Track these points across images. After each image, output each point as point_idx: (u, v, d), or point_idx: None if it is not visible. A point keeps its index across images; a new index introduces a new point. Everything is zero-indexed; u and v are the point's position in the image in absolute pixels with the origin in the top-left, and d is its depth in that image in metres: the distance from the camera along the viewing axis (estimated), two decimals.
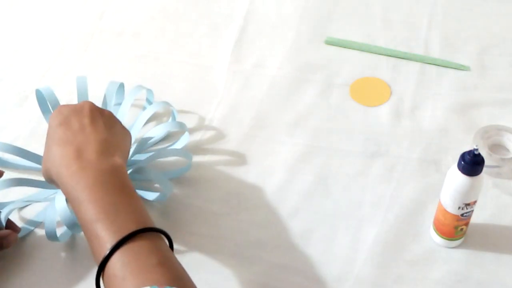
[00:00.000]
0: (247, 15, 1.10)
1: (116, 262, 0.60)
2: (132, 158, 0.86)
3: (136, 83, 0.92)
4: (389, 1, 1.11)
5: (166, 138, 0.92)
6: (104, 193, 0.64)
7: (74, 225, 0.76)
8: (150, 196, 0.84)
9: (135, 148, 0.85)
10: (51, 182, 0.71)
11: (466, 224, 0.76)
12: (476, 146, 0.68)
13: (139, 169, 0.83)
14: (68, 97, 0.94)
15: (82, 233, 0.80)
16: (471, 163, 0.68)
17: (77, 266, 0.78)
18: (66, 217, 0.76)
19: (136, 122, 0.88)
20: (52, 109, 0.86)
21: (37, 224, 0.82)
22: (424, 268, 0.77)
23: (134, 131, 0.87)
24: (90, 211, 0.63)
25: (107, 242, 0.60)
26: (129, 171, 0.84)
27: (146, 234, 0.62)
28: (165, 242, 0.65)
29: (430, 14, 1.08)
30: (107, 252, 0.60)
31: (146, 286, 0.56)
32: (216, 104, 0.97)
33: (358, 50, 1.04)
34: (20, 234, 0.80)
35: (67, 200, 0.76)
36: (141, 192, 0.85)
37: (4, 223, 0.78)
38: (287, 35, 1.06)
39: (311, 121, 0.93)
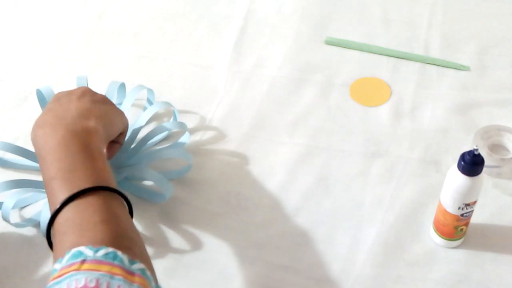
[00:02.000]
0: (247, 15, 1.10)
1: (61, 218, 0.60)
2: (132, 158, 0.86)
3: (136, 83, 0.92)
4: (389, 1, 1.11)
5: (166, 138, 0.92)
6: (67, 152, 0.65)
7: None
8: (151, 197, 0.84)
9: (135, 148, 0.85)
10: (34, 148, 0.72)
11: (466, 224, 0.76)
12: (476, 146, 0.68)
13: (140, 170, 0.83)
14: None
15: None
16: (471, 163, 0.68)
17: None
18: None
19: (137, 122, 0.88)
20: None
21: (36, 222, 0.82)
22: (424, 268, 0.77)
23: (135, 131, 0.87)
24: (50, 169, 0.64)
25: (58, 198, 0.61)
26: (129, 172, 0.84)
27: (99, 193, 0.62)
28: (121, 203, 0.65)
29: (430, 14, 1.08)
30: (57, 207, 0.60)
31: (81, 245, 0.56)
32: (216, 104, 0.97)
33: (358, 50, 1.04)
34: (19, 231, 0.81)
35: None
36: (141, 194, 0.85)
37: (9, 219, 0.79)
38: (287, 35, 1.06)
39: (311, 121, 0.93)
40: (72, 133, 0.67)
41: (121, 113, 0.78)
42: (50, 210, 0.62)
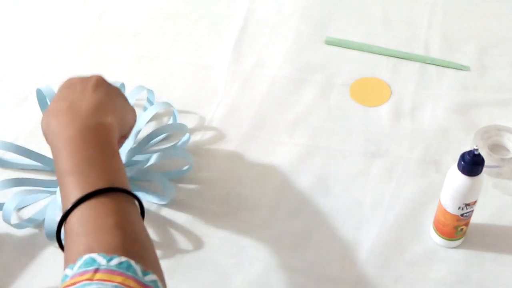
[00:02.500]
0: (247, 15, 1.10)
1: (75, 217, 0.59)
2: (133, 159, 0.86)
3: (136, 83, 0.92)
4: (389, 1, 1.11)
5: (166, 138, 0.92)
6: (84, 147, 0.63)
7: None
8: (153, 198, 0.84)
9: (135, 149, 0.85)
10: (45, 137, 0.69)
11: (466, 224, 0.76)
12: (476, 146, 0.68)
13: (141, 170, 0.83)
14: None
15: None
16: (471, 163, 0.68)
17: None
18: None
19: (137, 123, 0.88)
20: None
21: (37, 222, 0.82)
22: (424, 268, 0.77)
23: (135, 132, 0.87)
24: (65, 162, 0.62)
25: (72, 196, 0.60)
26: (130, 172, 0.84)
27: (113, 194, 0.61)
28: (134, 206, 0.63)
29: (430, 14, 1.08)
30: (69, 206, 0.59)
31: (94, 250, 0.55)
32: (216, 104, 0.97)
33: (358, 50, 1.04)
34: (20, 232, 0.81)
35: None
36: (143, 194, 0.85)
37: (10, 221, 0.79)
38: (287, 35, 1.06)
39: (311, 121, 0.93)
40: (89, 127, 0.65)
41: (132, 109, 0.77)
42: (63, 205, 0.61)
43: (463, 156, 0.69)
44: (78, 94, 0.69)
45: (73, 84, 0.72)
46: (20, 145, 0.86)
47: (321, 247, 0.79)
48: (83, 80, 0.72)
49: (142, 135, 0.87)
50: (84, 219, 0.58)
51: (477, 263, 0.77)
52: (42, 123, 0.69)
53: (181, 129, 0.88)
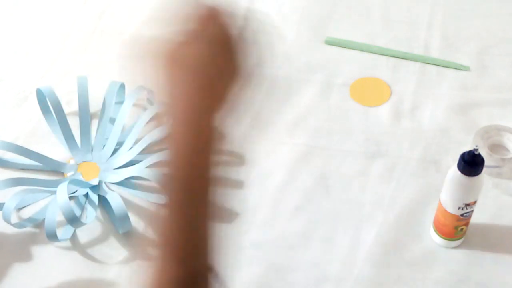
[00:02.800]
0: (247, 15, 1.10)
1: None
2: (133, 159, 0.86)
3: (136, 83, 0.92)
4: (389, 1, 1.11)
5: None
6: (194, 200, 0.51)
7: (75, 219, 0.76)
8: (153, 198, 0.84)
9: (135, 148, 0.85)
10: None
11: (466, 224, 0.76)
12: (476, 146, 0.68)
13: (141, 170, 0.83)
14: (68, 97, 0.94)
15: (82, 230, 0.80)
16: (471, 163, 0.68)
17: (77, 266, 0.78)
18: (68, 211, 0.76)
19: (137, 123, 0.88)
20: (53, 108, 0.86)
21: (37, 222, 0.82)
22: (424, 268, 0.77)
23: (135, 132, 0.87)
24: (172, 224, 0.50)
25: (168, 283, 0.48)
26: (130, 172, 0.84)
27: None
28: None
29: (430, 14, 1.08)
30: None
31: None
32: None
33: (358, 50, 1.04)
34: (19, 231, 0.81)
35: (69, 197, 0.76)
36: (142, 194, 0.84)
37: (10, 220, 0.79)
38: (287, 35, 1.06)
39: (311, 121, 0.93)
40: (204, 146, 0.49)
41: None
42: (150, 277, 0.49)
43: (463, 156, 0.69)
44: (221, 73, 0.50)
45: (196, 46, 0.48)
46: (20, 145, 0.86)
47: (321, 247, 0.79)
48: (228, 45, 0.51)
49: (142, 135, 0.87)
50: None
51: (477, 263, 0.77)
52: (172, 96, 0.49)
53: None
